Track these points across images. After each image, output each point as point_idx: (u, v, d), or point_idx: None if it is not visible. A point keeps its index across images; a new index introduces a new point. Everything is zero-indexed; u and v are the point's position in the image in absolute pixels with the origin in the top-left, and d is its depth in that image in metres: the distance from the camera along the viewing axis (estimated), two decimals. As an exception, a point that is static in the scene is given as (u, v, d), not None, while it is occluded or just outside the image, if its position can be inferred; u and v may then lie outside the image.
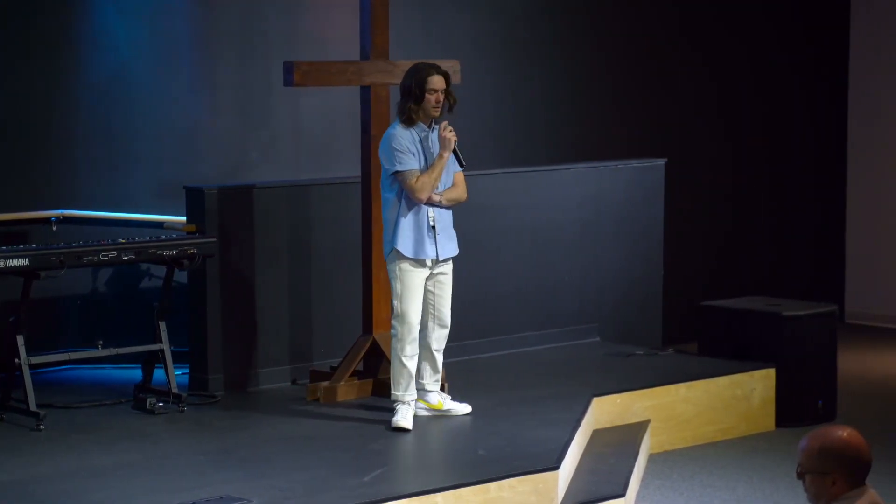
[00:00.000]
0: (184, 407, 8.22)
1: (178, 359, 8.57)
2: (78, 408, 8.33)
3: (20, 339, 7.83)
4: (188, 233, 8.70)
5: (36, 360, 8.06)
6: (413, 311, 7.83)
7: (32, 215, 9.34)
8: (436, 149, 7.83)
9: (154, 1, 9.66)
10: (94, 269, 9.29)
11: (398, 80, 8.44)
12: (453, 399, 8.20)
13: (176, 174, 9.46)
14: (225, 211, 8.76)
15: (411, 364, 7.88)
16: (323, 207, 9.15)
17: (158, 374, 8.42)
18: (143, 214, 9.47)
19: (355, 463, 7.16)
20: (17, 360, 7.84)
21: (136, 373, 8.63)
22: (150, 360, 8.43)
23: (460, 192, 7.99)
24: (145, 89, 9.63)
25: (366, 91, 8.48)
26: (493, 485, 6.80)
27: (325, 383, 8.49)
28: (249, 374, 8.87)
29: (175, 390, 8.27)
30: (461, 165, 7.94)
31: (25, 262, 7.79)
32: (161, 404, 8.20)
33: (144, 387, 8.43)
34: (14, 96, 9.33)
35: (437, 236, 7.85)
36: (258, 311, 8.90)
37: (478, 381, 9.01)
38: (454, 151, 7.86)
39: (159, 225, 9.24)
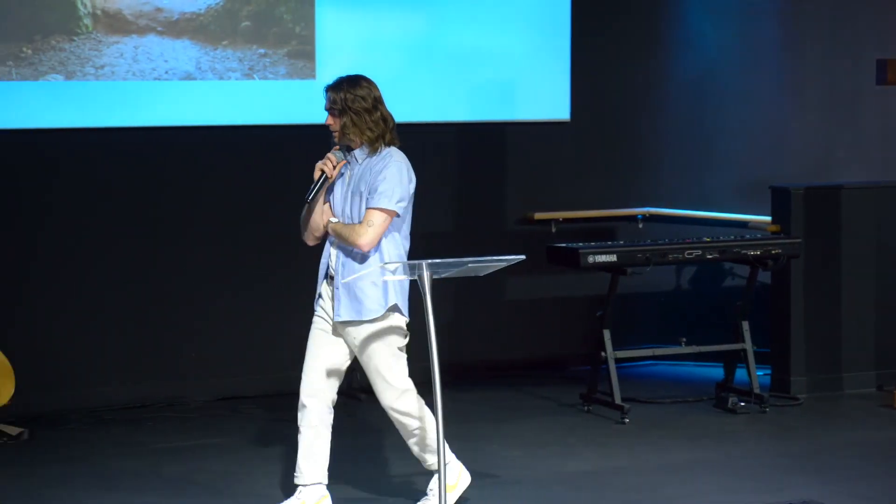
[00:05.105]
0: (766, 408, 8.19)
1: (759, 359, 8.54)
2: (660, 403, 8.47)
3: (607, 334, 8.06)
4: (772, 233, 8.66)
5: (621, 354, 8.27)
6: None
7: (620, 212, 9.59)
8: (352, 182, 6.11)
9: (743, 2, 9.69)
10: (677, 266, 9.43)
11: None
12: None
13: (761, 174, 9.44)
14: (811, 211, 8.66)
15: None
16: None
17: (740, 373, 8.45)
18: (727, 214, 9.51)
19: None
20: (603, 354, 8.08)
21: (717, 371, 8.69)
22: (733, 359, 8.47)
23: (349, 232, 6.00)
24: (733, 89, 9.67)
25: (963, 89, 8.16)
26: None
27: (912, 391, 8.25)
28: (832, 378, 8.72)
29: (757, 391, 8.27)
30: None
31: (613, 258, 8.03)
32: (742, 404, 8.21)
33: (726, 385, 8.48)
34: (607, 96, 9.59)
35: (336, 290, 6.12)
36: (843, 313, 8.73)
37: None
38: (320, 182, 6.07)
39: (743, 224, 9.25)
